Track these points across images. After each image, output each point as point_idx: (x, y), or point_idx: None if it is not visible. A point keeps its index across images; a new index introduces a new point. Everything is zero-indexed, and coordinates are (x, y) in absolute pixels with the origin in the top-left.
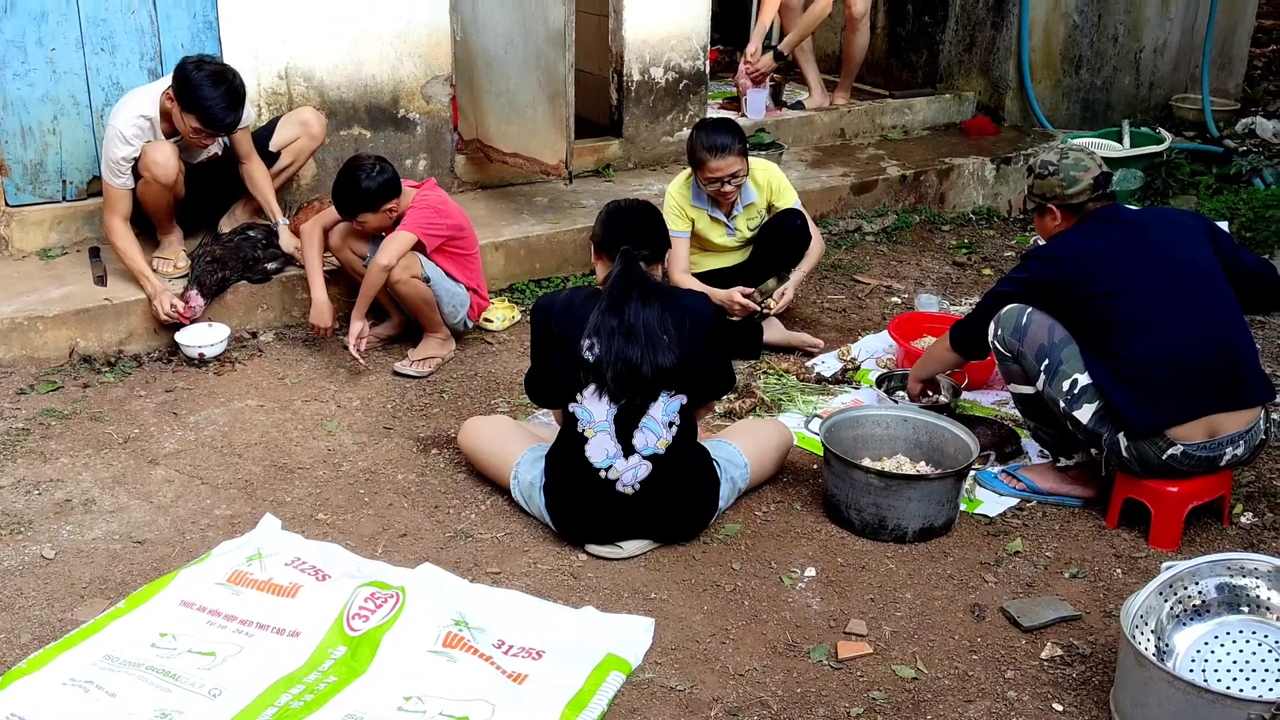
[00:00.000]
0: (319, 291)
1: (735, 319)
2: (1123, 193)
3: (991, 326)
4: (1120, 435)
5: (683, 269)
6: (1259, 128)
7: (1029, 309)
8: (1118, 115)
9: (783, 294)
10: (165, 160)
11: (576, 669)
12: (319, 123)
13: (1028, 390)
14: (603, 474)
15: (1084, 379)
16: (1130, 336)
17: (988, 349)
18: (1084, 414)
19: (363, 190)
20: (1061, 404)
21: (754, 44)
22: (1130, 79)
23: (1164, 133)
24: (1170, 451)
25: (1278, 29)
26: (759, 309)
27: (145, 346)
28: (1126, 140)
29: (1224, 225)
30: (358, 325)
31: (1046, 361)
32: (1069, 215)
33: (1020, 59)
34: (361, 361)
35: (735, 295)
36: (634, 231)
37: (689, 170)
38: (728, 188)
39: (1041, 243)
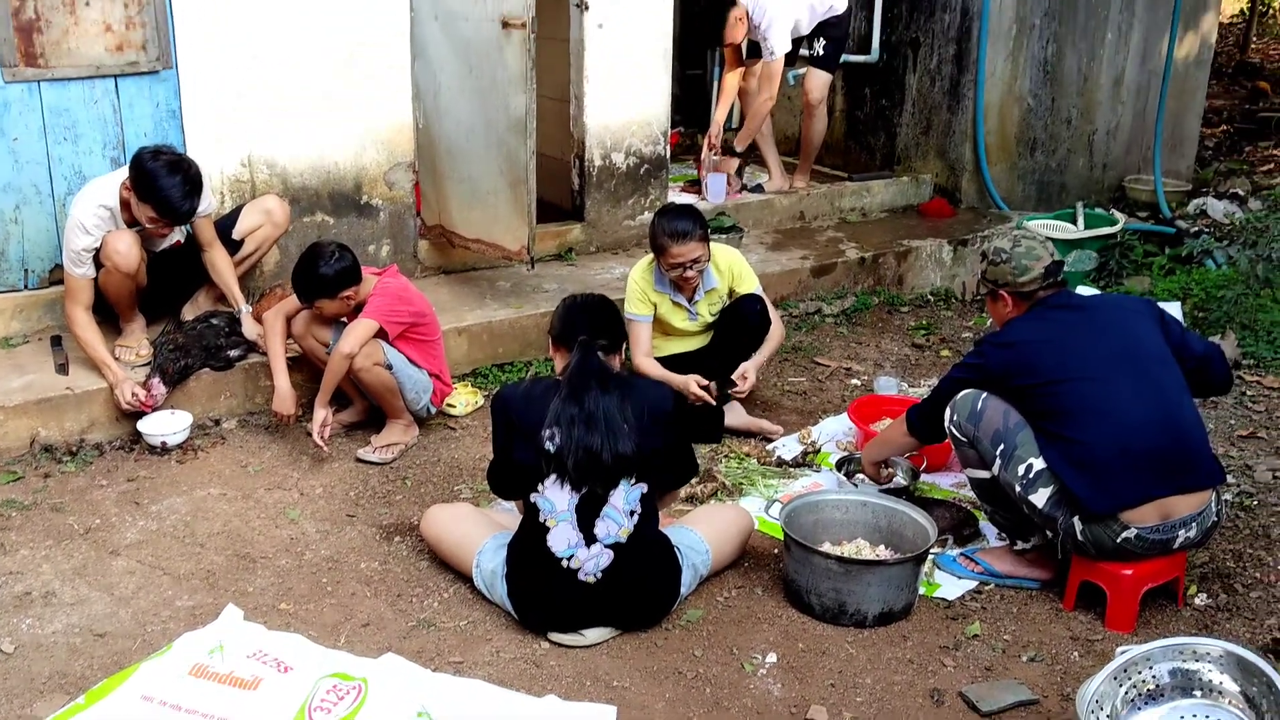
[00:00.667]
0: (282, 379)
1: (696, 404)
2: (1077, 273)
3: (948, 412)
4: (1075, 519)
5: (645, 352)
6: (1210, 208)
7: (984, 394)
8: (1072, 197)
9: (744, 376)
10: (126, 249)
11: None
12: (282, 210)
13: (984, 475)
14: (565, 563)
15: (1039, 464)
16: (1083, 422)
17: (944, 434)
18: (1039, 498)
19: (319, 277)
20: (1017, 488)
21: (715, 128)
22: (1084, 161)
23: (1117, 214)
24: (1124, 535)
25: (1227, 109)
26: (716, 399)
27: (107, 435)
28: (1081, 221)
29: (1176, 306)
30: (321, 413)
31: (1002, 446)
32: (1020, 302)
33: (976, 142)
34: (325, 448)
35: (691, 386)
36: (591, 323)
37: (651, 255)
38: (690, 273)
39: (996, 327)
